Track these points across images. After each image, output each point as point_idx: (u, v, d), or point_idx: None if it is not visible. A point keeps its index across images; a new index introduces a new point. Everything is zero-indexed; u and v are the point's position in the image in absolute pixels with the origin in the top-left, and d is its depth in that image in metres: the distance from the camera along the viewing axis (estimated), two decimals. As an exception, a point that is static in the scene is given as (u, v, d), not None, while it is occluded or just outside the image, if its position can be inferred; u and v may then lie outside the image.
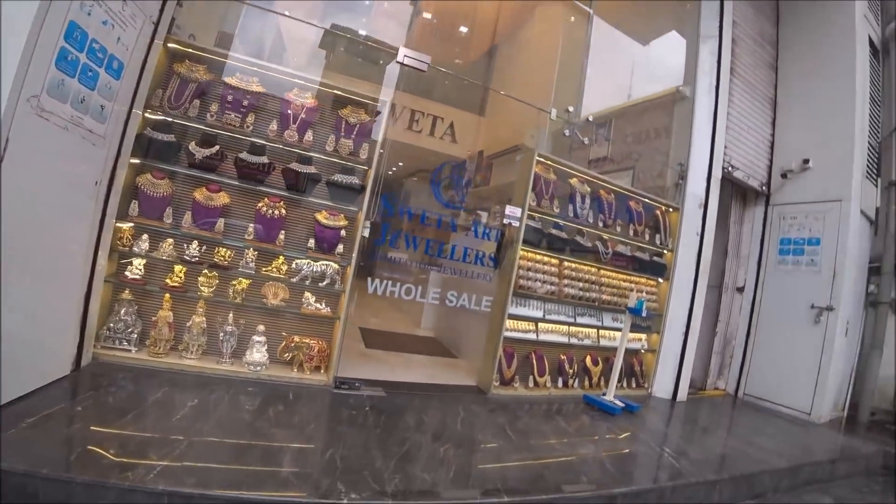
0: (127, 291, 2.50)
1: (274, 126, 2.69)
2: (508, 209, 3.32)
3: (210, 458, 1.68)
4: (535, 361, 3.61)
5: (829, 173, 4.28)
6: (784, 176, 4.46)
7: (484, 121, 6.65)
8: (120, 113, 2.08)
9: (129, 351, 2.43)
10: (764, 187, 4.67)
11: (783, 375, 4.37)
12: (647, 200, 4.22)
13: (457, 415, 2.74)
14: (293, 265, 2.79)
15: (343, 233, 2.85)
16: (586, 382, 3.86)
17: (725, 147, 4.30)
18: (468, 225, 3.52)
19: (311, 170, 2.77)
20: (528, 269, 3.56)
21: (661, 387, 4.18)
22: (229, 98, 2.54)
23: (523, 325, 3.62)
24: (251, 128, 2.64)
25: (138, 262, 2.51)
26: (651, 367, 4.23)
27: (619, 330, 4.02)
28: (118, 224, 2.35)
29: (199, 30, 2.75)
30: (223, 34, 3.17)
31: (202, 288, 2.60)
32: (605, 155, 5.15)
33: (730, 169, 4.34)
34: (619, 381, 3.95)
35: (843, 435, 3.95)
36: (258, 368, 2.64)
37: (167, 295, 2.54)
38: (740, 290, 4.76)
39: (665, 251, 4.29)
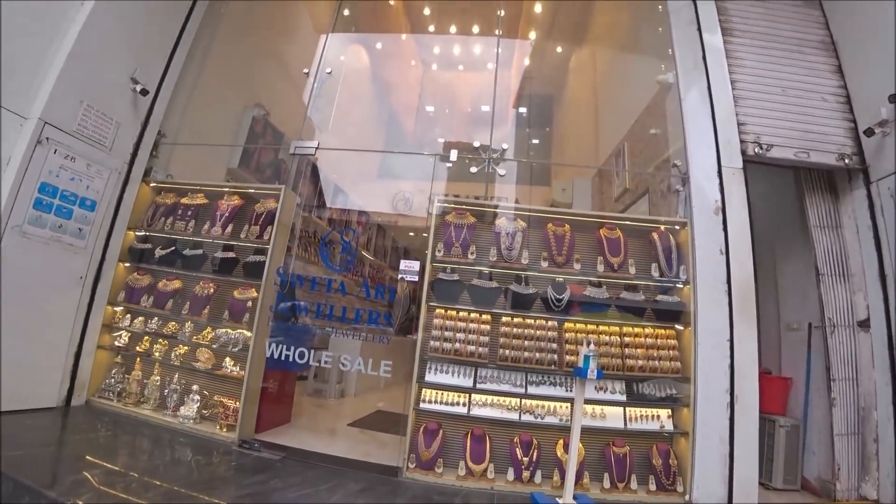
0: (119, 357, 4.36)
1: (207, 226, 4.41)
2: (403, 263, 3.97)
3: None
4: (468, 443, 3.67)
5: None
6: (869, 132, 3.41)
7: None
8: (100, 232, 4.14)
9: (112, 401, 4.17)
10: (849, 160, 3.61)
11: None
12: (627, 222, 4.00)
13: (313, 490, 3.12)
14: (214, 333, 4.23)
15: (249, 304, 4.13)
16: (556, 476, 3.54)
17: (741, 123, 3.82)
18: (359, 286, 4.24)
19: (231, 255, 4.30)
20: (444, 329, 3.85)
21: (707, 490, 3.35)
22: (179, 212, 4.47)
23: (451, 395, 3.81)
24: (191, 230, 4.41)
25: (123, 334, 4.38)
26: (687, 458, 3.47)
27: (603, 403, 3.68)
28: (109, 307, 4.34)
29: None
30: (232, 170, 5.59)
31: (156, 353, 4.22)
32: (624, 187, 5.09)
33: (759, 149, 3.71)
34: (625, 480, 3.50)
35: None
36: (186, 421, 3.90)
37: (138, 359, 4.29)
38: (863, 324, 3.39)
39: (678, 285, 3.79)
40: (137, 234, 4.58)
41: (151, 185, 4.71)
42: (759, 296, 3.55)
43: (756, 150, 3.75)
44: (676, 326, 3.76)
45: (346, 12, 5.87)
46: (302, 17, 6.65)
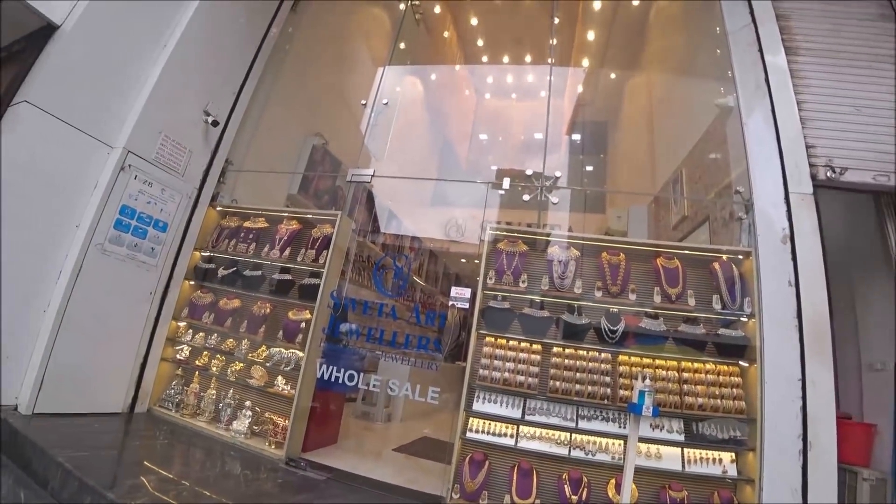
0: (180, 369, 4.61)
1: (266, 249, 4.64)
2: (454, 290, 3.97)
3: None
4: (514, 476, 3.55)
5: None
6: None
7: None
8: (170, 252, 4.46)
9: (171, 411, 4.40)
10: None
11: None
12: (685, 252, 3.82)
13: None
14: (268, 352, 4.39)
15: (303, 325, 4.26)
16: (606, 518, 3.34)
17: (810, 146, 3.61)
18: (410, 311, 4.25)
19: (287, 277, 4.50)
20: (494, 358, 3.80)
21: (779, 548, 3.04)
22: (241, 234, 4.75)
23: (498, 426, 3.72)
24: (252, 252, 4.67)
25: (185, 348, 4.63)
26: (753, 510, 3.20)
27: (659, 442, 3.45)
28: (174, 322, 4.64)
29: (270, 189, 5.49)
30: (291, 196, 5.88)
31: (213, 368, 4.44)
32: (683, 215, 4.89)
33: (831, 173, 3.47)
34: (685, 531, 3.22)
35: None
36: (238, 436, 4.05)
37: (197, 372, 4.51)
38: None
39: (742, 318, 3.56)
40: (203, 254, 4.90)
41: (217, 209, 5.05)
42: (835, 332, 3.27)
43: (828, 173, 3.52)
44: (740, 363, 3.51)
45: (402, 45, 6.14)
46: (361, 51, 7.01)
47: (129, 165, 4.08)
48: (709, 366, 3.58)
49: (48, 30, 3.82)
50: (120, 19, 4.08)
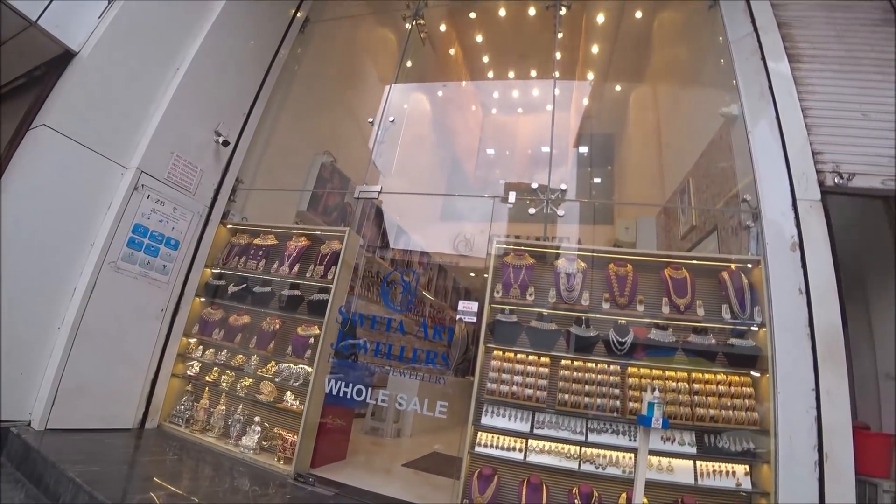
0: (190, 385, 4.68)
1: (276, 265, 4.71)
2: (461, 304, 3.98)
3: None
4: (524, 491, 3.53)
5: None
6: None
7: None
8: (181, 269, 4.57)
9: (181, 427, 4.45)
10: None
11: None
12: (693, 262, 3.81)
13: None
14: (277, 367, 4.44)
15: (311, 340, 4.31)
16: (619, 534, 3.28)
17: (817, 152, 3.61)
18: (418, 324, 4.27)
19: (296, 293, 4.56)
20: (502, 371, 3.82)
21: (798, 565, 2.96)
22: (251, 251, 4.84)
23: (507, 440, 3.71)
24: (261, 268, 4.75)
25: (195, 364, 4.69)
26: (769, 525, 3.12)
27: (671, 455, 3.41)
28: (184, 338, 4.72)
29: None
30: (301, 212, 5.99)
31: (223, 384, 4.50)
32: (691, 225, 4.87)
33: (839, 179, 3.45)
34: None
35: None
36: (247, 451, 4.08)
37: (206, 388, 4.57)
38: None
39: (752, 328, 3.52)
40: (213, 271, 5.01)
41: (228, 226, 5.17)
42: (849, 340, 3.24)
43: (836, 179, 3.50)
44: (752, 373, 3.47)
45: (409, 64, 6.28)
46: (368, 70, 7.19)
47: (143, 185, 4.22)
48: (720, 377, 3.54)
49: (66, 56, 4.01)
50: (134, 45, 4.26)
